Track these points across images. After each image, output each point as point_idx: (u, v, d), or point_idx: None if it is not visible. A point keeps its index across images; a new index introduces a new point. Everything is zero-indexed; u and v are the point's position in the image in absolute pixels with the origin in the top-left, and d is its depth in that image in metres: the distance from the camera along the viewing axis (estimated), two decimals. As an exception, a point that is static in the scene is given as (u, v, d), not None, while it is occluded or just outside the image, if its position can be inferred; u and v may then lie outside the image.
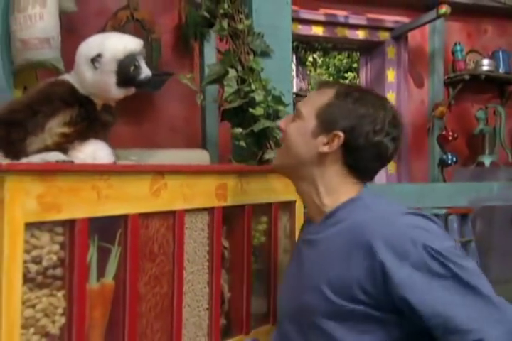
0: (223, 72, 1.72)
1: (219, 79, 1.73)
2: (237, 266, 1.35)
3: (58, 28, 2.41)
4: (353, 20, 3.87)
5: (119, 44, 1.14)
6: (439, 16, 3.57)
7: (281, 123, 1.22)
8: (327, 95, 1.13)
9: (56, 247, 0.94)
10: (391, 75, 4.09)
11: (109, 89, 1.14)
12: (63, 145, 1.13)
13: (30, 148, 1.10)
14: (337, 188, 1.13)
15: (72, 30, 2.58)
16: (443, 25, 4.03)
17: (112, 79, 1.13)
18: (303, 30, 3.72)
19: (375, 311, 1.00)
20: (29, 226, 0.88)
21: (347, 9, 3.83)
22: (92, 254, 1.01)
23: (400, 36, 4.02)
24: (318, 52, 5.30)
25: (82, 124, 1.14)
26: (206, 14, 1.78)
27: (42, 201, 0.89)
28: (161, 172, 1.11)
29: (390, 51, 4.09)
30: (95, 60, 1.12)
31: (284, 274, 1.27)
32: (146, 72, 1.15)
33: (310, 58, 5.37)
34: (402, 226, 1.02)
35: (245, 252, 1.35)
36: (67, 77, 1.18)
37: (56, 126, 1.12)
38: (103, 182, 0.99)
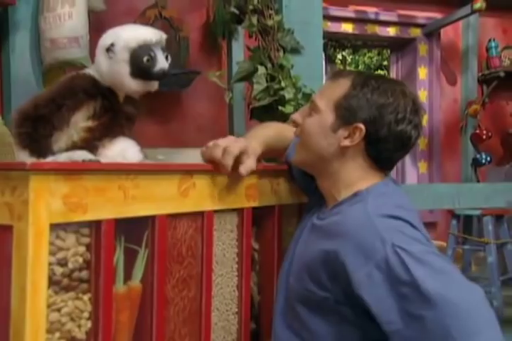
0: (252, 69, 1.70)
1: (248, 77, 1.71)
2: (267, 269, 1.31)
3: (87, 27, 2.41)
4: (384, 16, 3.81)
5: (133, 33, 1.10)
6: (473, 11, 3.49)
7: (295, 116, 1.17)
8: (343, 86, 1.09)
9: (82, 249, 0.91)
10: (423, 73, 4.02)
11: (123, 79, 1.09)
12: (91, 142, 1.10)
13: (56, 145, 1.08)
14: (357, 181, 1.10)
15: (101, 29, 2.56)
16: (477, 21, 3.94)
17: (125, 69, 1.08)
18: (332, 27, 3.67)
19: (343, 304, 1.00)
20: (54, 227, 0.85)
21: (377, 6, 3.77)
22: (119, 256, 0.99)
23: (432, 33, 3.94)
24: (347, 50, 5.24)
25: (105, 117, 1.11)
26: (235, 10, 1.74)
27: (67, 201, 0.86)
28: (189, 171, 1.08)
29: (422, 48, 4.01)
30: (109, 49, 1.08)
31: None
32: (162, 64, 1.09)
33: (339, 56, 5.30)
34: (377, 226, 0.98)
35: (275, 254, 1.31)
36: (88, 70, 1.16)
37: (81, 120, 1.09)
38: (130, 181, 0.96)
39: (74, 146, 1.08)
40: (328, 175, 1.12)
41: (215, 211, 1.15)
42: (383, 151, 1.08)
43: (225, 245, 1.19)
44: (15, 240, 0.82)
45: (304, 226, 1.19)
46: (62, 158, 1.05)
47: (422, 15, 3.90)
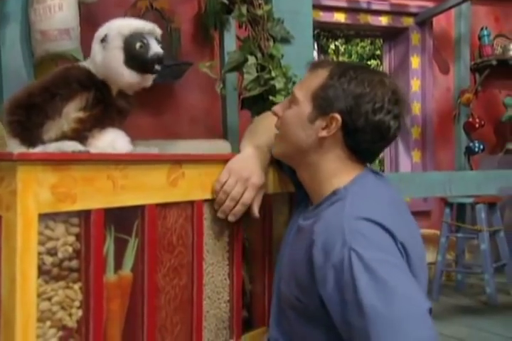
0: (243, 59, 1.69)
1: (238, 67, 1.70)
2: (257, 257, 1.32)
3: (78, 19, 2.39)
4: (376, 6, 3.80)
5: (125, 22, 1.13)
6: None
7: (276, 108, 1.16)
8: (321, 76, 1.08)
9: (72, 238, 0.91)
10: (415, 62, 4.02)
11: (117, 69, 1.09)
12: (81, 132, 1.11)
13: (47, 134, 1.08)
14: (336, 173, 1.09)
15: (92, 20, 2.55)
16: (469, 10, 3.93)
17: (119, 57, 1.09)
18: (325, 17, 3.66)
19: (323, 308, 0.97)
20: (43, 217, 0.86)
21: (369, -5, 3.75)
22: (109, 246, 0.99)
23: (424, 22, 3.94)
24: (340, 40, 5.22)
25: (97, 109, 1.11)
26: (225, 0, 1.74)
27: (56, 191, 0.86)
28: (178, 161, 1.09)
29: (414, 37, 4.01)
30: (104, 40, 1.10)
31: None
32: (155, 49, 1.09)
33: (332, 46, 5.29)
34: (344, 228, 0.96)
35: (266, 243, 1.32)
36: (84, 63, 1.17)
37: (73, 111, 1.09)
38: (119, 171, 0.97)
39: (63, 136, 1.08)
40: (308, 167, 1.12)
41: (205, 200, 1.15)
42: (362, 142, 1.06)
43: (216, 234, 1.20)
44: (3, 230, 0.83)
45: (291, 228, 1.20)
46: (52, 148, 1.05)
47: (414, 4, 3.89)
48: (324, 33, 4.29)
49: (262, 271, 1.32)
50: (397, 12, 3.88)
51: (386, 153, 4.17)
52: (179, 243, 1.11)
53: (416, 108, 3.98)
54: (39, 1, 2.35)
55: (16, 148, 1.06)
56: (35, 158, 0.84)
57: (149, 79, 1.17)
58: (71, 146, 1.06)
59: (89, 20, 2.53)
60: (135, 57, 1.10)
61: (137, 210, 1.02)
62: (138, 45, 1.09)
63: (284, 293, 1.11)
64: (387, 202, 1.07)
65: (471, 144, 3.93)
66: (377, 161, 5.66)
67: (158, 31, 1.17)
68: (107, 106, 1.13)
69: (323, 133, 1.06)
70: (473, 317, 2.90)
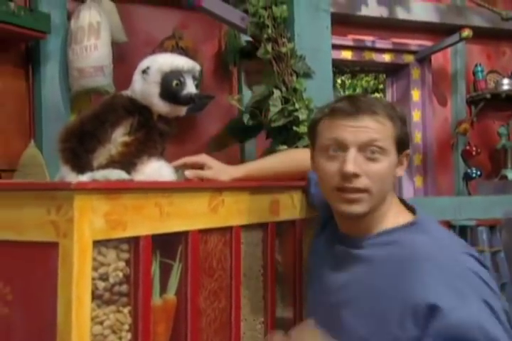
0: (267, 92, 1.67)
1: (264, 100, 1.68)
2: (289, 280, 1.27)
3: (110, 57, 2.40)
4: (380, 44, 3.79)
5: (168, 58, 1.11)
6: (461, 39, 3.48)
7: (351, 168, 0.95)
8: (384, 122, 0.98)
9: (122, 264, 0.87)
10: (416, 95, 3.99)
11: (152, 99, 1.08)
12: (127, 156, 1.08)
13: (97, 160, 1.06)
14: (400, 205, 1.06)
15: (123, 58, 2.56)
16: (464, 48, 3.93)
17: (155, 90, 1.08)
18: (333, 54, 3.61)
19: None
20: (96, 243, 0.82)
21: (373, 34, 3.75)
22: (155, 270, 0.95)
23: (423, 58, 3.93)
24: (346, 75, 5.23)
25: (141, 132, 1.09)
26: (251, 39, 1.73)
27: (109, 219, 0.83)
28: (218, 189, 1.05)
29: (415, 72, 3.99)
30: (145, 71, 1.09)
31: (313, 274, 1.15)
32: (189, 89, 1.08)
33: (339, 80, 5.30)
34: (463, 269, 0.91)
35: (296, 266, 1.27)
36: (126, 91, 1.15)
37: (119, 136, 1.08)
38: (165, 199, 0.93)
39: (112, 161, 1.07)
40: (380, 209, 1.01)
41: (242, 226, 1.11)
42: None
43: (252, 258, 1.15)
44: (60, 256, 0.79)
45: (327, 254, 1.09)
46: (99, 175, 1.02)
47: (414, 42, 3.89)
48: (332, 68, 4.28)
49: (293, 292, 1.27)
50: (398, 50, 3.86)
51: (390, 179, 4.11)
52: (219, 267, 1.06)
53: (417, 137, 3.94)
54: (77, 42, 2.37)
55: (66, 174, 1.03)
56: (91, 188, 0.81)
57: (183, 109, 1.15)
58: (116, 175, 1.03)
59: (121, 58, 2.53)
60: (170, 93, 1.09)
61: (181, 236, 0.98)
62: (174, 82, 1.08)
63: (349, 324, 0.97)
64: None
65: (468, 170, 3.88)
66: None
67: (197, 69, 1.16)
68: (149, 129, 1.11)
69: (401, 172, 1.04)
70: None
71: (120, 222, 0.84)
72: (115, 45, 2.49)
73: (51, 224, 0.79)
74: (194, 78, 1.13)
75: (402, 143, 1.01)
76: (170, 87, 1.09)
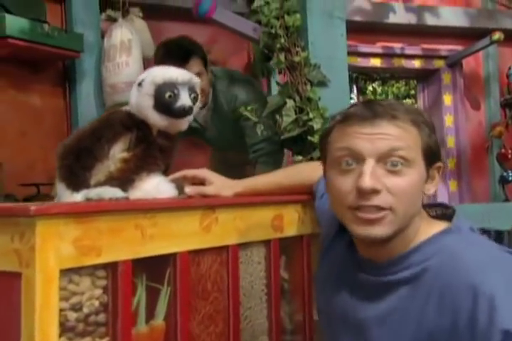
0: (282, 102, 1.54)
1: (278, 110, 1.55)
2: (297, 298, 1.13)
3: (142, 73, 2.34)
4: (409, 50, 3.59)
5: (161, 71, 1.02)
6: (492, 42, 3.24)
7: (368, 182, 0.74)
8: (404, 126, 0.77)
9: (98, 292, 0.76)
10: (448, 99, 3.76)
11: (147, 111, 0.99)
12: (126, 173, 0.99)
13: (96, 177, 0.98)
14: (427, 222, 0.83)
15: (154, 74, 2.49)
16: (496, 51, 3.67)
17: (149, 102, 0.98)
18: (362, 62, 3.48)
19: None
20: (66, 272, 0.72)
21: (402, 41, 3.56)
22: (140, 295, 0.84)
23: (454, 63, 3.69)
24: (377, 82, 5.01)
25: (139, 148, 1.00)
26: (265, 50, 1.60)
27: (79, 245, 0.72)
28: (211, 206, 0.93)
29: (446, 77, 3.76)
30: (140, 84, 1.01)
31: (328, 301, 0.92)
32: (183, 102, 0.98)
33: (370, 87, 5.09)
34: None
35: (305, 283, 1.13)
36: (125, 107, 1.06)
37: (118, 152, 0.99)
38: (147, 220, 0.82)
39: (110, 178, 0.98)
40: (407, 230, 0.80)
41: (241, 244, 0.99)
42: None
43: (253, 277, 1.03)
44: (23, 288, 0.68)
45: (344, 281, 0.87)
46: (92, 194, 0.93)
47: (444, 48, 3.66)
48: (362, 76, 4.09)
49: (303, 311, 1.13)
50: (428, 55, 3.65)
51: (424, 183, 3.89)
52: (214, 289, 0.94)
53: (450, 141, 3.70)
54: (110, 59, 2.33)
55: (61, 192, 0.96)
56: (56, 212, 0.70)
57: (183, 123, 1.05)
58: (109, 193, 0.93)
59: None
60: (163, 105, 0.99)
61: (169, 258, 0.86)
62: (167, 94, 0.99)
63: None
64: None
65: (504, 174, 3.61)
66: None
67: (195, 81, 1.05)
68: (148, 145, 1.02)
69: (432, 190, 0.81)
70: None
71: (93, 248, 0.74)
72: (146, 61, 2.44)
73: (14, 253, 0.69)
74: (191, 90, 1.03)
75: (432, 154, 0.79)
76: (163, 99, 1.00)
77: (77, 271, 0.74)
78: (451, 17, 3.57)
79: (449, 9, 3.58)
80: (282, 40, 1.54)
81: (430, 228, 0.82)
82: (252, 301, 1.02)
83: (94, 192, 0.94)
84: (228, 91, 1.75)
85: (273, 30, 1.54)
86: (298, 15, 1.56)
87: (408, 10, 3.46)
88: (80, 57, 2.32)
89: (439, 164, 0.82)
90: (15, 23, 1.98)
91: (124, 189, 0.98)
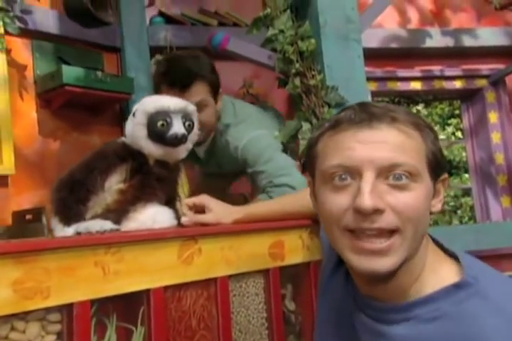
0: (299, 127, 1.36)
1: (296, 135, 1.37)
2: (309, 330, 0.93)
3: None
4: (449, 72, 3.28)
5: (153, 100, 0.91)
6: (533, 57, 2.88)
7: (369, 201, 0.55)
8: (406, 130, 0.59)
9: (51, 338, 0.62)
10: (493, 117, 3.39)
11: (141, 141, 0.88)
12: (123, 204, 0.87)
13: (93, 210, 0.86)
14: (433, 255, 0.62)
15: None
16: (539, 66, 3.27)
17: (143, 132, 0.87)
18: (402, 86, 3.22)
19: None
20: (6, 319, 0.58)
21: (442, 63, 3.26)
22: (110, 337, 0.68)
23: (497, 81, 3.33)
24: (420, 104, 4.66)
25: (136, 178, 0.88)
26: (281, 75, 1.45)
27: (19, 288, 0.58)
28: (192, 236, 0.77)
29: (490, 96, 3.41)
30: (134, 114, 0.90)
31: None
32: (175, 130, 0.86)
33: (414, 110, 4.73)
34: None
35: (315, 313, 0.92)
36: (121, 138, 0.95)
37: (114, 184, 0.87)
38: (110, 256, 0.67)
39: (107, 210, 0.86)
40: (414, 259, 0.60)
41: (232, 275, 0.81)
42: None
43: (250, 311, 0.84)
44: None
45: (344, 323, 0.67)
46: (81, 228, 0.81)
47: (485, 67, 3.32)
48: (404, 99, 3.80)
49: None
50: (469, 76, 3.32)
51: (476, 201, 3.48)
52: (200, 326, 0.77)
53: (499, 158, 3.30)
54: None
55: (54, 226, 0.85)
56: (-11, 252, 0.57)
57: (179, 151, 0.92)
58: (98, 226, 0.80)
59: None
60: (156, 133, 0.87)
61: (142, 295, 0.71)
62: (160, 123, 0.87)
63: None
64: None
65: (558, 187, 3.15)
66: (468, 209, 4.85)
67: (190, 108, 0.92)
68: (144, 174, 0.89)
69: (438, 206, 0.61)
70: None
71: (38, 290, 0.60)
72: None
73: None
74: (185, 118, 0.89)
75: (438, 164, 0.60)
76: (155, 127, 0.88)
77: (22, 316, 0.60)
78: (490, 37, 3.25)
79: (487, 30, 3.26)
80: (297, 65, 1.37)
81: (439, 264, 0.61)
82: (250, 337, 0.83)
83: (83, 226, 0.82)
84: (236, 131, 1.30)
85: (287, 56, 1.38)
86: (312, 40, 1.39)
87: (445, 34, 3.19)
88: (132, 98, 2.29)
89: (445, 176, 0.62)
90: (71, 73, 1.98)
91: (119, 220, 0.85)
